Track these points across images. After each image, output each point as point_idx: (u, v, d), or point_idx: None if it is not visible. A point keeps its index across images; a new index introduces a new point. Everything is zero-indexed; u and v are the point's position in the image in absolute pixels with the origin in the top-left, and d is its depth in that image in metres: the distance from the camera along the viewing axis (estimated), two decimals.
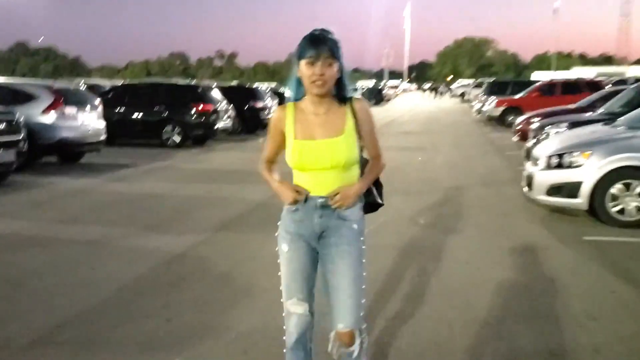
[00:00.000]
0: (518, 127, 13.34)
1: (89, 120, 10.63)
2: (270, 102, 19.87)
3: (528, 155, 8.84)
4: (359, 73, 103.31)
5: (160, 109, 14.26)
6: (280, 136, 2.33)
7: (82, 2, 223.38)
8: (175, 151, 13.36)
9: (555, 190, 5.99)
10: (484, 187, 8.46)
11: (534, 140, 8.98)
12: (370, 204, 2.47)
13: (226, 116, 15.41)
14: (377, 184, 2.52)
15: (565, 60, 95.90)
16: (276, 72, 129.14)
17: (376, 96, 45.05)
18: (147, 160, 11.50)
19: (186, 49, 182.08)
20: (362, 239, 2.35)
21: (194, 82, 20.51)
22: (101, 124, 10.96)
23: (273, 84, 58.35)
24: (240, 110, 18.57)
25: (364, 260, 2.34)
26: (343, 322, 2.28)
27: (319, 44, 2.16)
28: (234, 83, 41.49)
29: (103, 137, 11.01)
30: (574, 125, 8.35)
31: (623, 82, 25.73)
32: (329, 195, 2.26)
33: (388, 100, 49.25)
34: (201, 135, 14.76)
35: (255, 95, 19.26)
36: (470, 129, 20.25)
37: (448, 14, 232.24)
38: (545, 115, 13.02)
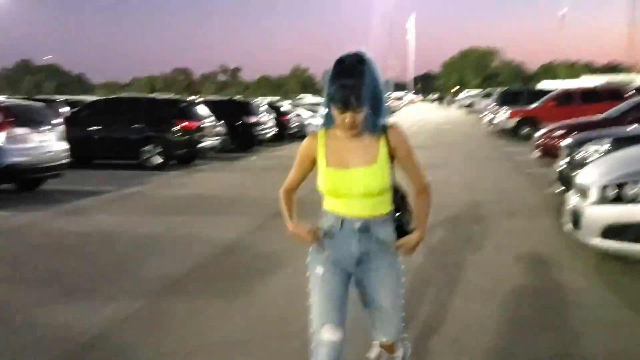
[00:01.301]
0: (539, 142, 11.82)
1: (47, 142, 9.20)
2: (265, 117, 18.45)
3: (562, 178, 7.34)
4: None
5: (139, 126, 12.83)
6: (309, 164, 2.32)
7: (86, 20, 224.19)
8: (153, 174, 11.91)
9: (615, 231, 4.46)
10: (511, 218, 6.93)
11: (567, 159, 7.47)
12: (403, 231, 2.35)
13: (214, 133, 13.97)
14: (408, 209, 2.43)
15: (572, 69, 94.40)
16: (280, 85, 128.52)
17: None
18: (117, 186, 10.05)
19: (190, 65, 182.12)
20: (399, 259, 2.35)
21: (197, 97, 19.01)
22: (62, 146, 9.53)
23: (276, 98, 57.32)
24: (233, 126, 17.20)
25: (403, 280, 2.36)
26: (386, 336, 2.37)
27: (349, 92, 2.06)
28: (238, 97, 40.43)
29: (65, 160, 9.57)
30: (619, 142, 6.83)
31: None
32: (394, 247, 2.28)
33: (394, 112, 47.79)
34: (185, 154, 13.32)
35: (248, 109, 17.85)
36: (483, 142, 18.73)
37: (452, 25, 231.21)
38: (570, 128, 11.49)
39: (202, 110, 13.89)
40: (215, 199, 8.86)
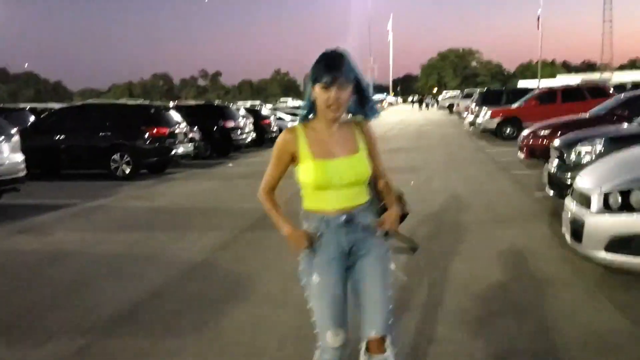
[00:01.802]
0: (523, 142, 11.42)
1: (0, 154, 8.53)
2: (243, 121, 17.87)
3: (552, 182, 6.90)
4: None
5: (106, 134, 12.18)
6: (288, 160, 2.30)
7: (64, 27, 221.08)
8: (122, 184, 11.27)
9: (621, 244, 3.99)
10: (501, 226, 6.45)
11: (557, 161, 7.03)
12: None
13: (187, 139, 13.36)
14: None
15: (549, 68, 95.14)
16: (261, 89, 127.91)
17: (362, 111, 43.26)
18: (81, 199, 9.42)
19: (169, 70, 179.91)
20: (387, 244, 2.40)
21: (175, 103, 18.27)
22: (18, 158, 8.86)
23: (257, 102, 56.70)
24: (209, 132, 16.62)
25: (390, 266, 2.38)
26: (375, 329, 2.28)
27: (334, 68, 2.17)
28: (216, 101, 39.72)
29: (22, 173, 8.90)
30: (612, 142, 6.40)
31: (622, 87, 24.10)
32: (376, 225, 2.34)
33: None
34: (156, 163, 12.69)
35: (225, 114, 17.29)
36: (465, 143, 18.35)
37: (430, 27, 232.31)
38: (556, 128, 11.13)
39: (174, 116, 13.26)
40: (184, 212, 8.28)
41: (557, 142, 7.31)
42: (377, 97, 69.24)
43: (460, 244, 5.75)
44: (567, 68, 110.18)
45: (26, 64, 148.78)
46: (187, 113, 16.87)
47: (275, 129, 21.11)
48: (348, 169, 2.26)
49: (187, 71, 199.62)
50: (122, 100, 12.80)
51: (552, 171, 6.98)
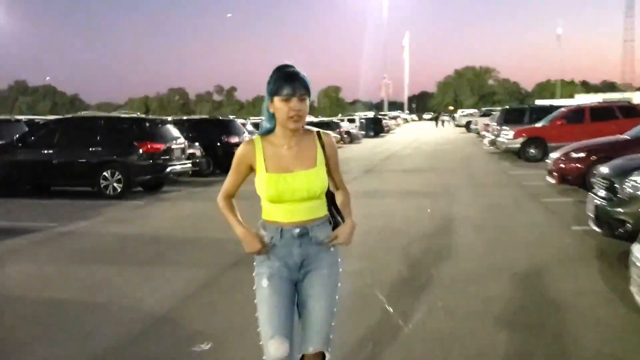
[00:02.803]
0: (555, 166, 10.25)
1: None
2: (248, 136, 16.87)
3: (600, 217, 5.72)
4: (358, 104, 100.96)
5: (96, 149, 11.21)
6: (245, 170, 2.35)
7: (81, 41, 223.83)
8: (110, 204, 10.26)
9: None
10: (538, 273, 5.26)
11: (604, 192, 5.86)
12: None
13: (184, 156, 12.35)
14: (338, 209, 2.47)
15: (568, 87, 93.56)
16: None
17: (375, 127, 42.25)
18: (58, 221, 8.41)
19: (185, 85, 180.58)
20: (339, 260, 2.40)
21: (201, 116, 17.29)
22: None
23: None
24: (212, 147, 15.64)
25: (339, 284, 2.37)
26: (314, 345, 2.27)
27: (294, 80, 2.19)
28: (231, 116, 38.78)
29: None
30: None
31: None
32: (328, 242, 2.32)
33: (388, 131, 46.42)
34: (149, 181, 11.69)
35: (229, 129, 16.27)
36: (485, 164, 17.15)
37: (447, 44, 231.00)
38: (591, 150, 9.99)
39: (171, 130, 12.25)
40: (167, 240, 7.20)
41: (604, 170, 6.14)
42: (392, 114, 68.18)
43: (490, 301, 4.59)
44: (587, 87, 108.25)
45: (47, 78, 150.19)
46: (190, 128, 16.01)
47: None
48: (301, 184, 2.25)
49: (202, 86, 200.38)
50: (115, 113, 11.79)
51: (598, 204, 5.81)
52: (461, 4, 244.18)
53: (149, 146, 11.16)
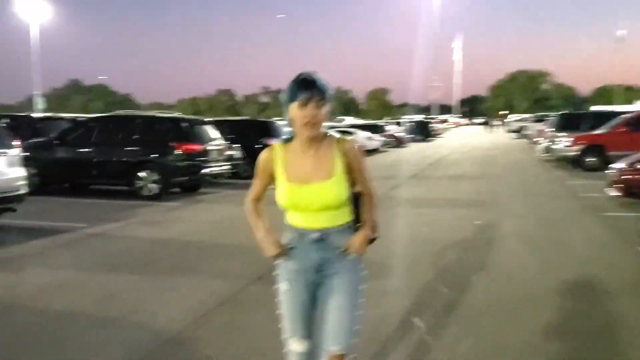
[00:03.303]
0: (619, 177, 9.38)
1: None
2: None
3: None
4: (406, 107, 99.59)
5: (133, 149, 11.00)
6: (268, 177, 2.35)
7: (134, 42, 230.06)
8: (146, 205, 10.02)
9: None
10: (606, 303, 4.59)
11: None
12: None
13: (223, 158, 12.02)
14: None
15: (628, 93, 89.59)
16: None
17: (423, 131, 41.27)
18: (88, 222, 8.17)
19: (233, 86, 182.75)
20: (360, 266, 2.34)
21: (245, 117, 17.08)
22: (17, 173, 7.72)
23: None
24: (252, 149, 15.28)
25: (361, 287, 2.31)
26: (336, 345, 2.22)
27: (310, 86, 2.14)
28: (278, 118, 38.63)
29: (22, 190, 7.75)
30: None
31: None
32: (342, 252, 2.28)
33: (437, 135, 45.31)
34: (186, 182, 11.41)
35: (270, 130, 15.88)
36: (539, 172, 16.19)
37: (499, 47, 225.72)
38: None
39: (209, 131, 11.95)
40: (195, 246, 6.82)
41: None
42: (441, 117, 66.79)
43: (545, 333, 3.94)
44: None
45: (102, 77, 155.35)
46: (229, 129, 15.71)
47: None
48: (316, 196, 2.22)
49: (250, 87, 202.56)
50: (152, 113, 11.55)
51: None
52: (515, 6, 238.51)
53: (185, 147, 10.87)
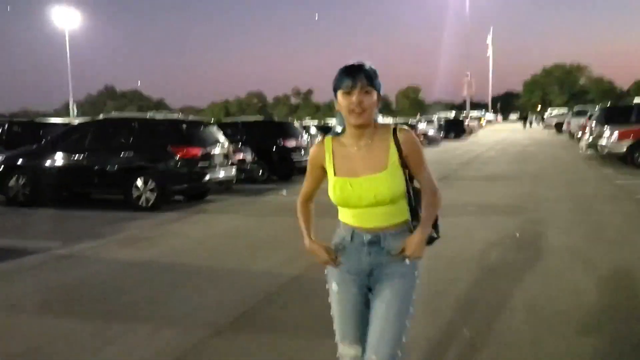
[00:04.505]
0: None
1: None
2: (308, 140, 15.30)
3: None
4: (439, 105, 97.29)
5: (128, 154, 9.99)
6: (319, 172, 2.24)
7: (167, 47, 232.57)
8: (139, 216, 8.99)
9: None
10: None
11: None
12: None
13: (228, 162, 10.91)
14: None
15: None
16: None
17: (456, 129, 39.64)
18: (65, 239, 7.18)
19: (264, 88, 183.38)
20: (415, 272, 2.18)
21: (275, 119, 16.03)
22: None
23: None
24: (267, 152, 14.21)
25: (414, 297, 2.16)
26: (376, 354, 2.07)
27: (355, 72, 2.06)
28: (307, 120, 37.56)
29: None
30: None
31: None
32: (395, 254, 2.13)
33: (471, 132, 43.54)
34: (186, 190, 10.34)
35: (287, 132, 14.76)
36: (584, 170, 14.61)
37: (534, 41, 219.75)
38: None
39: (213, 133, 10.82)
40: (169, 272, 5.66)
41: None
42: (475, 114, 64.73)
43: None
44: None
45: (138, 83, 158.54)
46: (244, 130, 14.68)
47: None
48: (367, 190, 2.08)
49: (281, 89, 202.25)
50: (150, 114, 10.53)
51: None
52: None
53: (185, 151, 9.79)
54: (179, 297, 4.80)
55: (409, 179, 2.16)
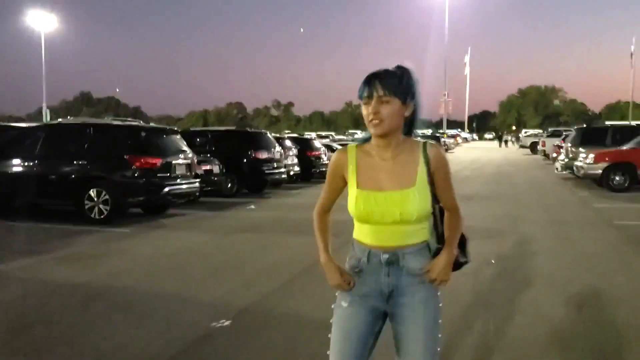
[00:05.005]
0: None
1: None
2: (280, 152, 14.73)
3: None
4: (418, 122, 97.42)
5: (81, 162, 9.29)
6: (340, 182, 2.08)
7: (145, 55, 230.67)
8: (90, 231, 8.30)
9: None
10: None
11: None
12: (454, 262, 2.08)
13: (191, 174, 10.26)
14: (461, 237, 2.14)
15: (639, 110, 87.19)
16: (332, 121, 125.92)
17: None
18: None
19: (244, 99, 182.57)
20: (438, 294, 2.04)
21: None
22: None
23: (329, 133, 54.04)
24: (237, 163, 13.59)
25: (440, 321, 2.01)
26: None
27: (372, 81, 1.95)
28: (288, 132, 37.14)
29: None
30: None
31: None
32: (422, 274, 1.99)
33: (447, 150, 43.47)
34: (144, 203, 9.67)
35: (257, 143, 14.15)
36: (561, 193, 14.28)
37: (510, 63, 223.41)
38: None
39: (174, 142, 10.17)
40: (100, 299, 4.95)
41: None
42: (451, 132, 64.97)
43: None
44: None
45: (117, 89, 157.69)
46: (213, 140, 14.06)
47: (325, 161, 18.14)
48: (393, 206, 1.92)
49: (261, 101, 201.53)
50: (108, 120, 9.85)
51: None
52: (526, 21, 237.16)
53: (142, 161, 9.13)
54: (100, 333, 4.11)
55: (434, 198, 2.01)
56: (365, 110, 1.96)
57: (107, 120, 10.31)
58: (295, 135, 25.14)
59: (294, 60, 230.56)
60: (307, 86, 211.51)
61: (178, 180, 9.69)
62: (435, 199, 2.02)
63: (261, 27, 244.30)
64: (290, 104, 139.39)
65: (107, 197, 9.02)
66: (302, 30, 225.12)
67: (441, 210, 2.08)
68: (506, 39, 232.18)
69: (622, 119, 73.99)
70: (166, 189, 9.34)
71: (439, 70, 71.22)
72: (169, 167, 9.49)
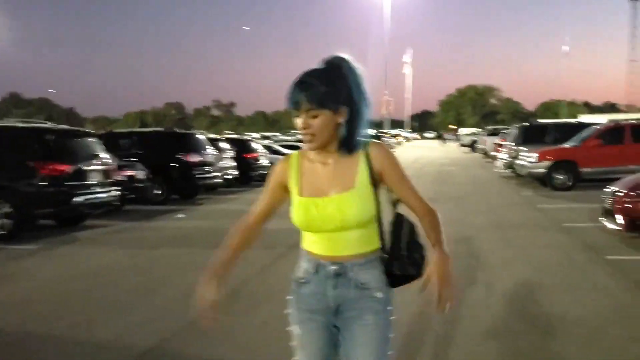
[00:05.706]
0: (619, 205, 7.15)
1: None
2: (214, 155, 13.80)
3: None
4: None
5: None
6: (280, 192, 1.93)
7: (78, 54, 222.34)
8: None
9: None
10: None
11: None
12: (399, 276, 1.85)
13: (108, 181, 9.22)
14: (413, 245, 1.87)
15: (571, 108, 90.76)
16: (275, 121, 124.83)
17: None
18: None
19: (183, 100, 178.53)
20: (389, 308, 1.86)
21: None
22: None
23: (273, 134, 53.06)
24: (166, 167, 12.58)
25: (391, 335, 1.86)
26: None
27: (298, 93, 1.75)
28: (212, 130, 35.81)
29: None
30: None
31: None
32: (422, 289, 1.72)
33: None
34: (53, 214, 8.59)
35: (188, 145, 13.17)
36: (505, 193, 14.01)
37: (449, 63, 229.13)
38: None
39: (88, 146, 9.09)
40: None
41: None
42: (392, 132, 65.40)
43: None
44: (589, 108, 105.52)
45: (49, 90, 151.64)
46: (139, 143, 12.99)
47: (265, 164, 17.32)
48: (332, 211, 1.78)
49: (202, 101, 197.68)
50: (13, 121, 8.73)
51: None
52: (464, 22, 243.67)
53: (50, 167, 8.06)
54: None
55: (393, 203, 1.89)
56: (297, 121, 1.79)
57: (12, 122, 9.09)
58: (234, 136, 24.17)
59: (236, 60, 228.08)
60: (249, 86, 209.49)
61: (92, 189, 8.64)
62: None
63: (203, 26, 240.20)
64: (232, 104, 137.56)
65: (10, 209, 7.89)
66: (245, 28, 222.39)
67: (397, 219, 1.88)
68: (445, 39, 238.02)
69: (555, 116, 76.69)
70: (78, 199, 8.29)
71: (379, 71, 71.57)
72: (81, 174, 8.44)
